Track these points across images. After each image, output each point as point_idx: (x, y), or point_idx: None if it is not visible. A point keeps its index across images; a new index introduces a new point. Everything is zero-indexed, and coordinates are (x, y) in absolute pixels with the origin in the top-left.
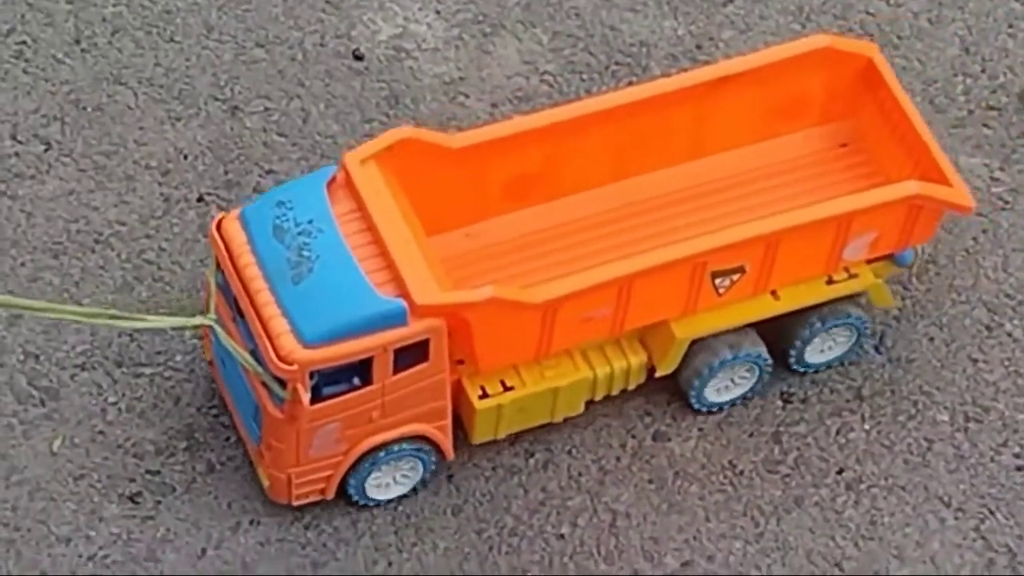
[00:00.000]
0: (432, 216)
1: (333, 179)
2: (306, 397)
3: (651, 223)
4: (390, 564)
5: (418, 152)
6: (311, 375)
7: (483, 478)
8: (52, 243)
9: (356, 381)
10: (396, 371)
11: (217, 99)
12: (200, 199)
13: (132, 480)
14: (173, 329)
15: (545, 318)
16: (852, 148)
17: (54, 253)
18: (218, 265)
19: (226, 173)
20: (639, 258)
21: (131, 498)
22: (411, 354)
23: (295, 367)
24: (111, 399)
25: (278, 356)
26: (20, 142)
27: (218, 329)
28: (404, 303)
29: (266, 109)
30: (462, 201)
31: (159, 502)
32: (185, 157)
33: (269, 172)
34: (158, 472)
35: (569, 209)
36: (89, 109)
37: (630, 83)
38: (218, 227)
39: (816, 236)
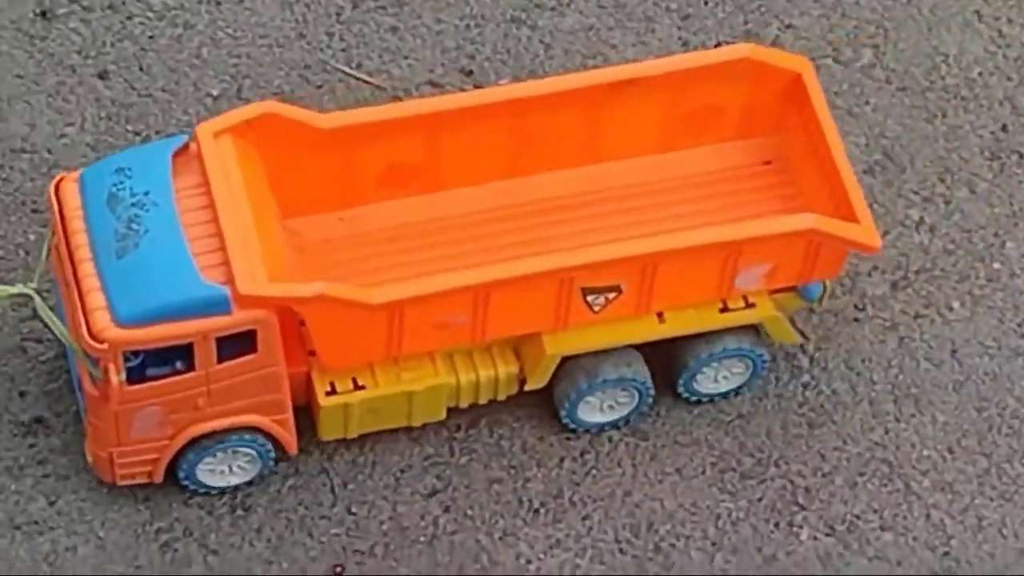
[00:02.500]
0: (302, 196)
1: (186, 148)
2: (116, 377)
3: (538, 226)
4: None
5: (282, 129)
6: (132, 355)
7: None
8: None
9: (179, 366)
10: (221, 360)
11: None
12: (717, 46)
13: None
14: None
15: (392, 320)
16: (775, 167)
17: None
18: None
19: (745, 23)
20: (494, 268)
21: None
22: (237, 344)
23: (105, 346)
24: None
25: (89, 333)
26: None
27: (36, 299)
28: (227, 291)
29: None
30: (335, 184)
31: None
32: (706, 3)
33: (788, 27)
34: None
35: (453, 203)
36: None
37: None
38: (56, 188)
39: (700, 262)
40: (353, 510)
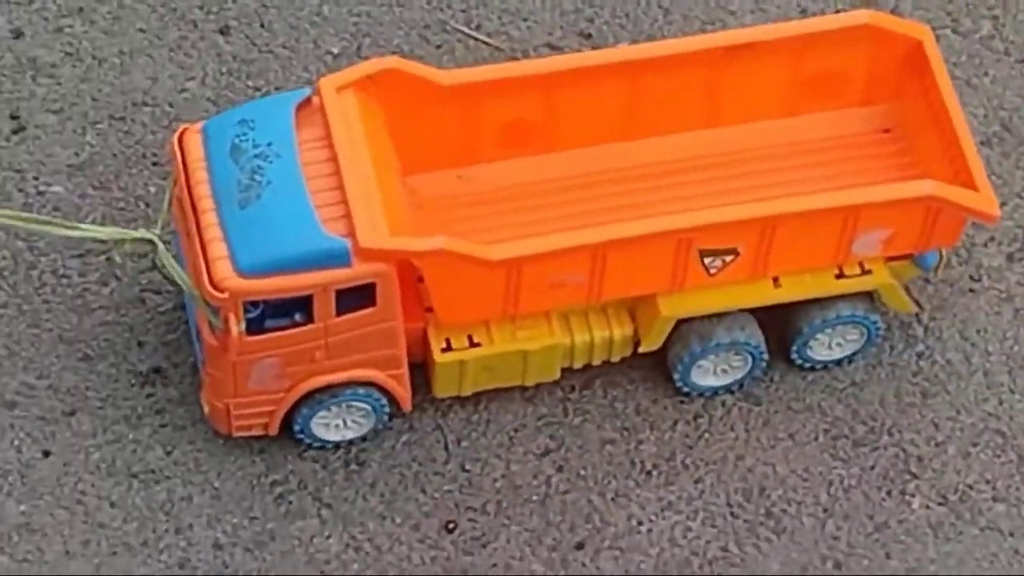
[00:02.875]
0: (421, 153)
1: (308, 102)
2: (236, 328)
3: (654, 189)
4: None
5: (404, 85)
6: (251, 305)
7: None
8: None
9: (297, 318)
10: (340, 313)
11: None
12: (837, 12)
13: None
14: (112, 240)
15: (509, 277)
16: (894, 135)
17: None
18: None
19: None
20: (613, 227)
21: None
22: (356, 297)
23: (226, 295)
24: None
25: (210, 282)
26: None
27: (160, 245)
28: (348, 243)
29: None
30: (454, 142)
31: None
32: None
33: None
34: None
35: (570, 164)
36: None
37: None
38: (179, 139)
39: (818, 226)
40: (466, 467)
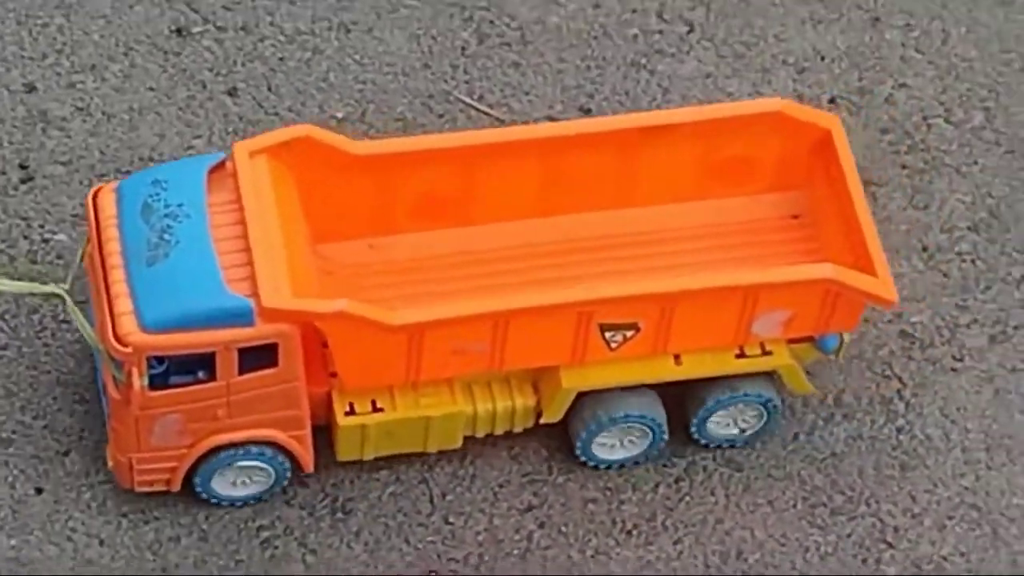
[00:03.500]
0: (333, 221)
1: (223, 165)
2: (139, 382)
3: (565, 265)
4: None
5: (317, 153)
6: (156, 361)
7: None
8: None
9: (200, 375)
10: (242, 372)
11: (860, 8)
12: (832, 100)
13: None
14: (22, 295)
15: (411, 343)
16: (802, 221)
17: None
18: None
19: (860, 80)
20: (515, 297)
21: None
22: (259, 356)
23: (129, 349)
24: None
25: (115, 336)
26: (665, 21)
27: (68, 300)
28: (252, 303)
29: (907, 24)
30: (366, 211)
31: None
32: (822, 59)
33: (902, 86)
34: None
35: (483, 238)
36: (736, 0)
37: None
38: (94, 197)
39: (718, 305)
40: (450, 520)
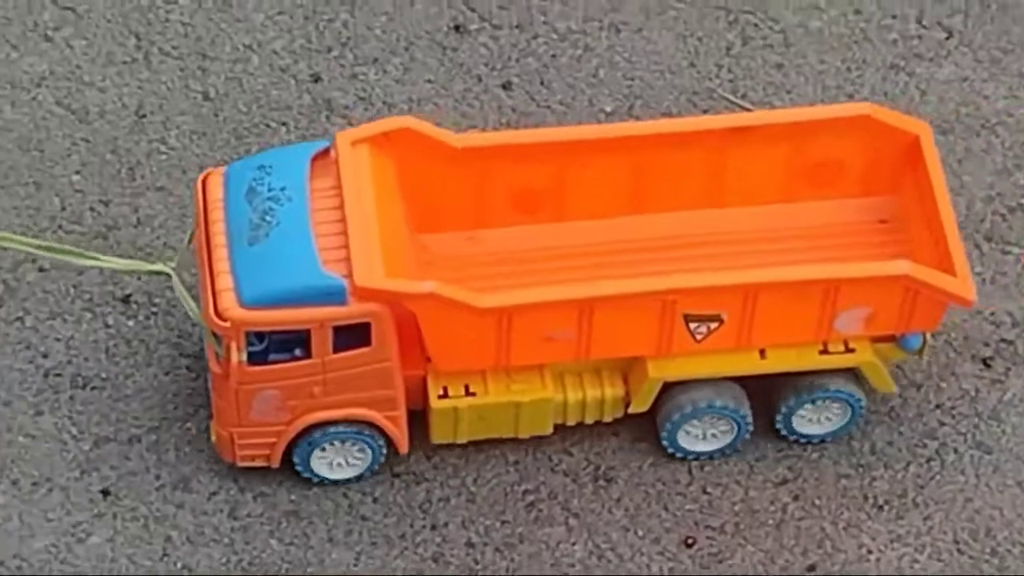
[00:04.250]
0: (433, 212)
1: (326, 153)
2: (237, 356)
3: (653, 261)
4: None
5: (417, 144)
6: (257, 338)
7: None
8: (941, 122)
9: (297, 352)
10: (337, 350)
11: None
12: None
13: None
14: (129, 272)
15: (500, 327)
16: (891, 226)
17: (941, 131)
18: None
19: None
20: (599, 284)
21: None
22: (352, 335)
23: (228, 324)
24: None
25: (215, 311)
26: (924, 27)
27: (174, 277)
28: (345, 282)
29: None
30: (465, 203)
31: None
32: None
33: None
34: None
35: (577, 233)
36: (993, 7)
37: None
38: (203, 181)
39: (798, 298)
40: (708, 490)
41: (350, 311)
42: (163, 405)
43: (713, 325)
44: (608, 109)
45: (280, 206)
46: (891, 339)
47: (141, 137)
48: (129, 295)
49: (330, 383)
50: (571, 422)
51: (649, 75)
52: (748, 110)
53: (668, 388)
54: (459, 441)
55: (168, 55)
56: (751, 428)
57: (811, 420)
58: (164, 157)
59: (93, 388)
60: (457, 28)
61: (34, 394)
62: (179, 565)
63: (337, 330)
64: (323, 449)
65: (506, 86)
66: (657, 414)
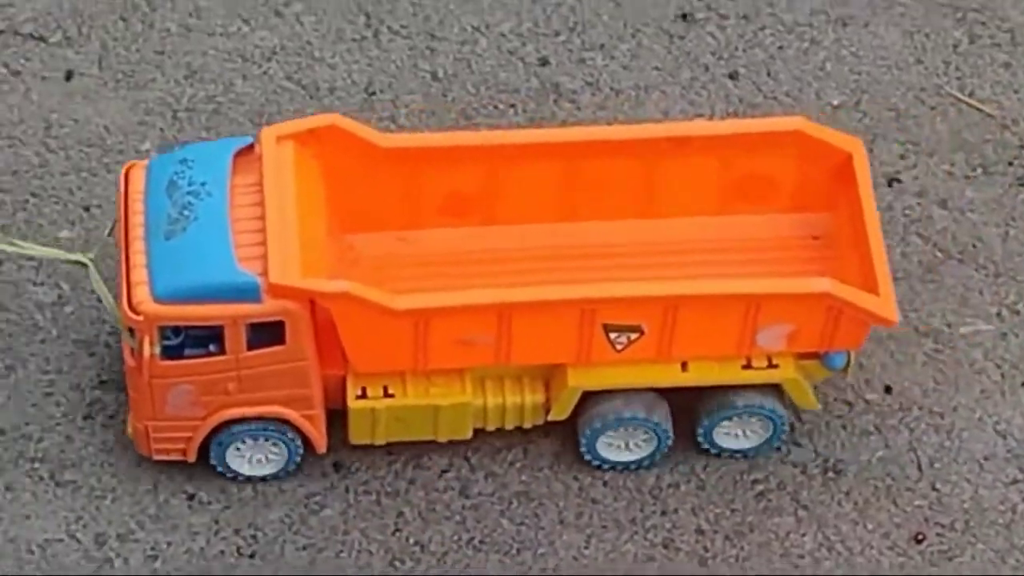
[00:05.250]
0: (361, 212)
1: (251, 149)
2: (150, 350)
3: (580, 269)
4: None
5: (344, 143)
6: (173, 332)
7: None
8: None
9: (211, 348)
10: (251, 347)
11: None
12: None
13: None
14: (48, 259)
15: (417, 330)
16: (822, 242)
17: None
18: None
19: None
20: (519, 290)
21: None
22: (267, 334)
23: (141, 318)
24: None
25: (129, 305)
26: None
27: (91, 269)
28: (260, 280)
29: None
30: (395, 204)
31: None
32: None
33: None
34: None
35: (508, 238)
36: None
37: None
38: (126, 173)
39: (720, 312)
40: (937, 487)
41: (264, 309)
42: None
43: (633, 336)
44: (835, 103)
45: (200, 200)
46: (815, 356)
47: (371, 115)
48: None
49: (245, 380)
50: (491, 427)
51: (876, 70)
52: (979, 110)
53: (588, 396)
54: (377, 442)
55: (397, 34)
56: (671, 440)
57: (732, 434)
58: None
59: None
60: (684, 17)
61: None
62: (411, 541)
63: (251, 327)
64: (239, 446)
65: (732, 76)
66: (577, 422)
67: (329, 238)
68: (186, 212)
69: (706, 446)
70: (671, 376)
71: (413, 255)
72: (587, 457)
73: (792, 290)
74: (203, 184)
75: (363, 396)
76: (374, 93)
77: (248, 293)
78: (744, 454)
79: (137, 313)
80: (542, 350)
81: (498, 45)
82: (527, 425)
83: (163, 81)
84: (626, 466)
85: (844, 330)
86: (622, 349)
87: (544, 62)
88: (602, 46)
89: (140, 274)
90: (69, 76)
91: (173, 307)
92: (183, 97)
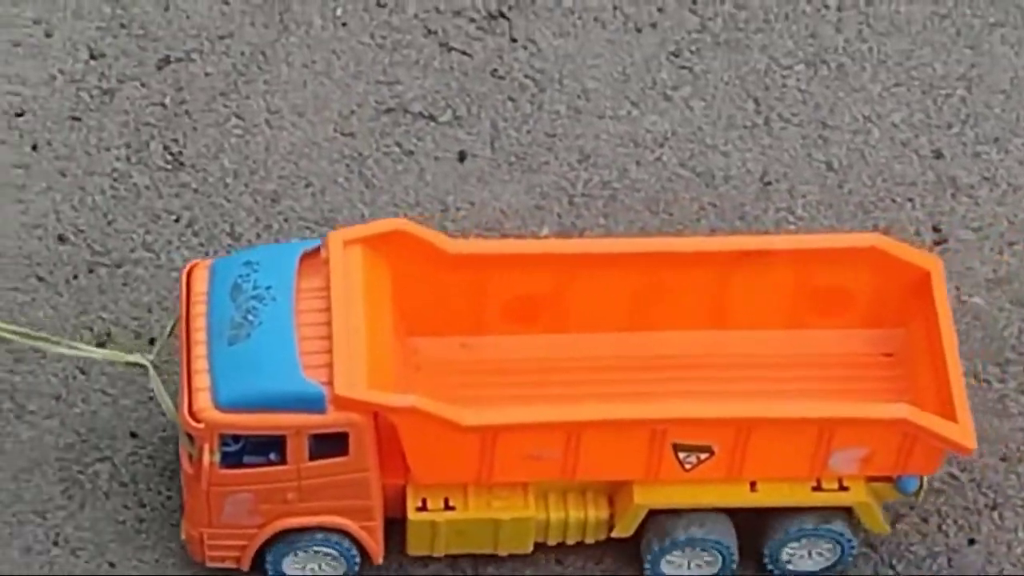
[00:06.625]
0: (425, 316)
1: (316, 252)
2: (209, 457)
3: (653, 381)
4: None
5: (411, 248)
6: (232, 440)
7: None
8: None
9: (272, 457)
10: (313, 458)
11: None
12: None
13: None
14: (106, 360)
15: (484, 444)
16: (896, 359)
17: None
18: None
19: None
20: (589, 408)
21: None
22: (330, 444)
23: (202, 425)
24: None
25: (190, 411)
26: None
27: (151, 370)
28: (325, 390)
29: None
30: (459, 309)
31: None
32: None
33: None
34: None
35: (574, 346)
36: None
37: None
38: (188, 273)
39: (793, 436)
40: None
41: (328, 420)
42: None
43: (703, 456)
44: None
45: (264, 305)
46: (888, 479)
47: (768, 204)
48: None
49: (305, 490)
50: (552, 541)
51: None
52: None
53: (653, 514)
54: (436, 554)
55: (788, 122)
56: (736, 562)
57: (799, 556)
58: (792, 227)
59: None
60: None
61: None
62: None
63: (314, 438)
64: (296, 555)
65: None
66: (640, 541)
67: (396, 343)
68: (250, 317)
69: (771, 567)
70: (740, 496)
71: (477, 361)
72: None
73: (869, 415)
74: (268, 288)
75: (423, 508)
76: (769, 183)
77: (313, 404)
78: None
79: (198, 420)
80: (610, 467)
81: (891, 136)
82: (589, 540)
83: (556, 165)
84: None
85: (919, 455)
86: (691, 468)
87: (938, 155)
88: (996, 139)
89: (202, 380)
90: (462, 157)
91: (236, 416)
92: (578, 182)
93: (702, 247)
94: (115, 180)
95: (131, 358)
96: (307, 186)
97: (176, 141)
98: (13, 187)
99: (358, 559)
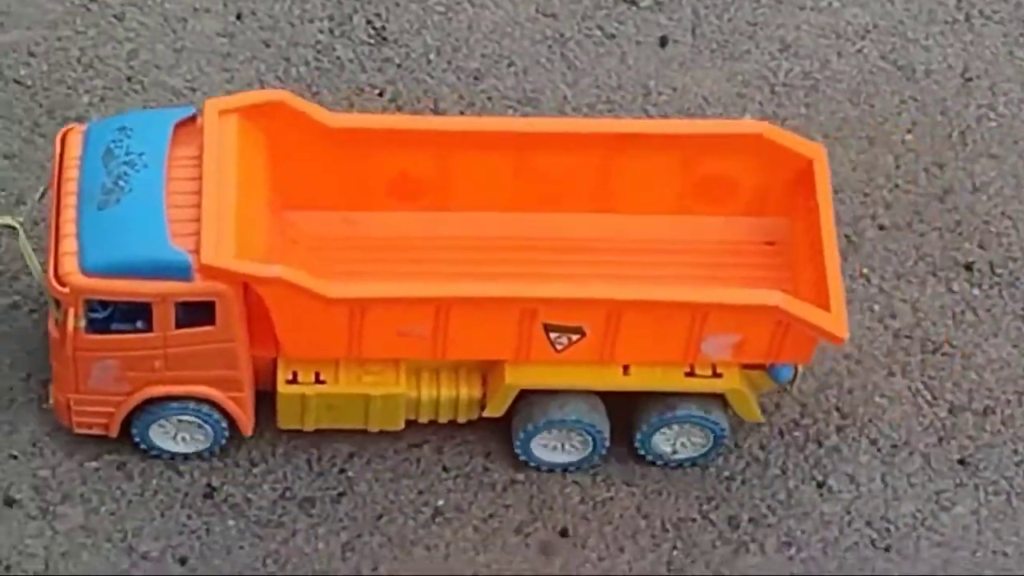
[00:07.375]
0: (305, 190)
1: (193, 120)
2: (74, 322)
3: (531, 262)
4: None
5: (290, 121)
6: (100, 306)
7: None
8: None
9: (139, 325)
10: (180, 326)
11: None
12: None
13: None
14: None
15: (352, 318)
16: (777, 249)
17: None
18: None
19: None
20: (459, 285)
21: None
22: (197, 313)
23: (67, 289)
24: None
25: (56, 275)
26: None
27: (20, 232)
28: (191, 258)
29: None
30: (340, 184)
31: None
32: None
33: None
34: None
35: (456, 225)
36: None
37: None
38: (63, 137)
39: (665, 319)
40: None
41: (194, 288)
42: (1015, 379)
43: (574, 337)
44: None
45: (136, 171)
46: (762, 367)
47: (969, 100)
48: (972, 262)
49: (171, 358)
50: (424, 419)
51: None
52: None
53: (524, 395)
54: (306, 428)
55: (989, 19)
56: (607, 444)
57: (671, 443)
58: (994, 124)
59: (943, 354)
60: None
61: (884, 354)
62: None
63: (181, 306)
64: (162, 424)
65: None
66: (511, 421)
67: (270, 215)
68: (121, 183)
69: (643, 453)
70: (611, 379)
71: (356, 237)
72: (521, 457)
73: (742, 301)
74: (140, 155)
75: (293, 381)
76: (970, 79)
77: (179, 271)
78: (681, 464)
79: (63, 284)
80: (480, 346)
81: None
82: (461, 419)
83: (758, 54)
84: (564, 468)
85: (792, 343)
86: (562, 350)
87: None
88: None
89: (69, 244)
90: (663, 42)
91: (101, 281)
92: (779, 71)
93: (583, 128)
94: (319, 52)
95: (1, 220)
96: (509, 65)
97: (379, 16)
98: (219, 55)
99: (227, 430)
